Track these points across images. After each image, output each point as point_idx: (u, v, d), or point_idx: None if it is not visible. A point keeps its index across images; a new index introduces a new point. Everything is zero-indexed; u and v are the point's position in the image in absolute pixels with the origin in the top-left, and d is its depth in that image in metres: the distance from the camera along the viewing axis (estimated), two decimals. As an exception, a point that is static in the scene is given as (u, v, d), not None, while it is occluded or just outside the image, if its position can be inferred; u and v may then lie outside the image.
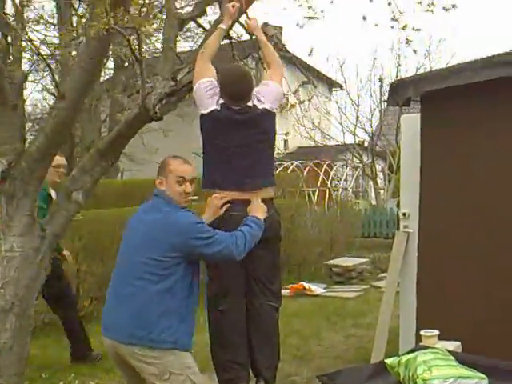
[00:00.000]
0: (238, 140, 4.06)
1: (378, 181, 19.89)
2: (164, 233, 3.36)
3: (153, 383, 3.39)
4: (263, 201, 4.07)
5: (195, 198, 3.73)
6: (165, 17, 4.67)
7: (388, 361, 3.45)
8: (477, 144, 4.80)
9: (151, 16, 3.92)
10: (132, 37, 3.90)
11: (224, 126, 4.07)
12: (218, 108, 4.07)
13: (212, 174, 4.19)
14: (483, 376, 3.16)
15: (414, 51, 6.97)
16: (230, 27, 4.49)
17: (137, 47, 3.81)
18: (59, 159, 5.62)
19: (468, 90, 4.63)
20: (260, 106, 4.16)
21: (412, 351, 3.55)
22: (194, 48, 4.52)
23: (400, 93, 4.97)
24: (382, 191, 19.83)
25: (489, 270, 4.69)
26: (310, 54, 9.43)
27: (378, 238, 15.80)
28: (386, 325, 5.47)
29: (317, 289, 9.90)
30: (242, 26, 4.70)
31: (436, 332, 4.23)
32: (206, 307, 4.27)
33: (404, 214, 5.69)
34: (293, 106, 12.03)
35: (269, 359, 4.34)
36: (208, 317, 4.27)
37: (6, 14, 4.53)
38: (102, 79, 20.49)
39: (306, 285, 9.91)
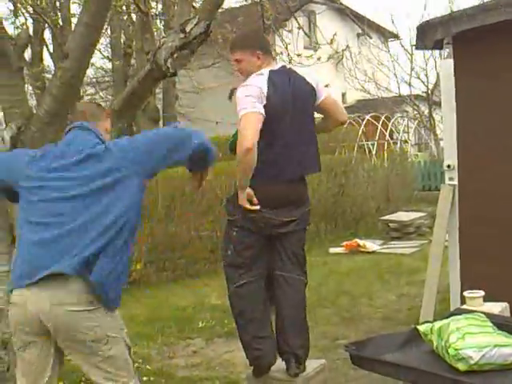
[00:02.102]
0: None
1: (438, 131, 19.16)
2: None
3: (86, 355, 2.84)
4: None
5: None
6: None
7: (421, 328, 3.13)
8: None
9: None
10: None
11: None
12: None
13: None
14: (526, 343, 2.82)
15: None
16: None
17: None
18: None
19: (501, 28, 4.18)
20: None
21: (447, 316, 3.22)
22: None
23: (428, 35, 4.54)
24: (442, 142, 19.13)
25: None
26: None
27: (438, 191, 15.22)
28: (434, 285, 5.12)
29: (372, 245, 9.58)
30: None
31: (481, 293, 3.88)
32: (227, 280, 4.01)
33: (448, 166, 5.28)
34: (330, 57, 11.51)
35: (302, 336, 4.04)
36: (229, 290, 4.01)
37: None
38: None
39: (361, 242, 9.60)
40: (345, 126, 19.05)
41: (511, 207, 4.47)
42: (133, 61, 18.59)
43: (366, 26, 23.46)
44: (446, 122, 5.25)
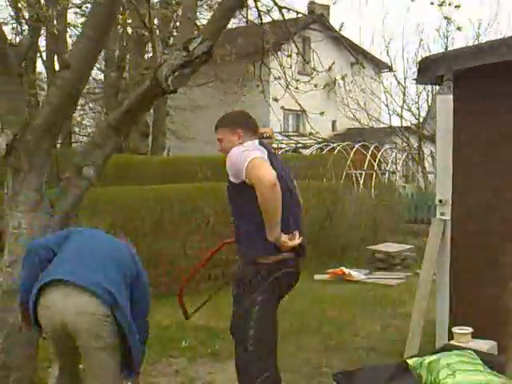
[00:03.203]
0: None
1: (427, 165, 19.26)
2: None
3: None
4: None
5: None
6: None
7: (410, 361, 3.12)
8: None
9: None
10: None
11: None
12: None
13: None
14: (515, 383, 2.80)
15: (459, 28, 6.54)
16: None
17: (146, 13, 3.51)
18: (269, 131, 6.07)
19: (503, 68, 4.20)
20: None
21: (437, 352, 3.20)
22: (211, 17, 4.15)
23: (430, 70, 4.56)
24: (429, 176, 19.23)
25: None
26: (340, 29, 8.96)
27: (425, 224, 15.27)
28: (420, 320, 5.08)
29: (357, 274, 9.55)
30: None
31: (469, 330, 3.88)
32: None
33: (440, 201, 5.29)
34: (326, 84, 11.55)
35: None
36: None
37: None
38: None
39: (347, 270, 9.57)
40: (334, 152, 19.32)
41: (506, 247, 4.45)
42: (125, 74, 18.68)
43: (360, 55, 23.64)
44: (441, 157, 5.26)
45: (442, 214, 5.24)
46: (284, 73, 9.64)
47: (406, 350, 5.09)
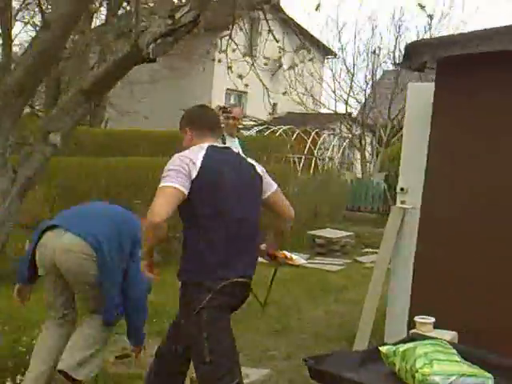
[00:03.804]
0: None
1: (366, 154, 19.54)
2: None
3: None
4: None
5: None
6: None
7: (383, 349, 3.12)
8: (498, 119, 4.43)
9: None
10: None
11: None
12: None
13: None
14: (489, 375, 2.84)
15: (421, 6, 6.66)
16: None
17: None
18: (238, 111, 6.66)
19: (492, 58, 4.24)
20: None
21: (409, 340, 3.22)
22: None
23: (415, 56, 4.56)
24: (368, 164, 19.52)
25: (494, 258, 4.37)
26: (316, 9, 8.94)
27: (363, 212, 15.53)
28: (373, 307, 5.14)
29: (298, 259, 9.56)
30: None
31: (432, 319, 3.93)
32: None
33: (402, 189, 5.36)
34: (292, 66, 11.54)
35: None
36: None
37: None
38: (92, 25, 19.92)
39: (288, 254, 9.54)
40: (276, 135, 19.36)
41: (476, 236, 4.51)
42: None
43: (310, 41, 23.66)
44: (407, 145, 5.32)
45: (403, 202, 5.30)
46: (226, 53, 9.53)
47: (356, 339, 5.15)
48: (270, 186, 3.56)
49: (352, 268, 9.42)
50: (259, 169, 3.57)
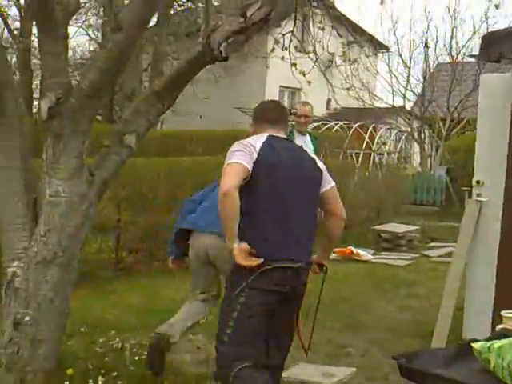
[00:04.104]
0: None
1: (425, 147, 19.21)
2: None
3: None
4: None
5: None
6: None
7: (476, 345, 3.01)
8: None
9: None
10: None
11: None
12: None
13: None
14: None
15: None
16: None
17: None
18: (307, 110, 6.80)
19: None
20: None
21: (503, 336, 3.11)
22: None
23: (492, 47, 4.42)
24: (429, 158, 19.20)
25: None
26: (381, 3, 8.85)
27: (425, 206, 15.29)
28: (451, 304, 5.01)
29: (365, 254, 9.48)
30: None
31: (521, 313, 3.79)
32: None
33: (478, 182, 5.22)
34: (355, 60, 11.42)
35: None
36: None
37: None
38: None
39: (354, 249, 9.49)
40: (333, 130, 19.20)
41: None
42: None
43: (358, 35, 23.42)
44: (481, 138, 5.18)
45: (479, 195, 5.16)
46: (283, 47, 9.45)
47: (434, 335, 5.03)
48: (328, 182, 3.61)
49: (420, 262, 9.26)
50: (320, 163, 3.65)
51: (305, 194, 3.51)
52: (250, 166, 3.33)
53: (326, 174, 3.63)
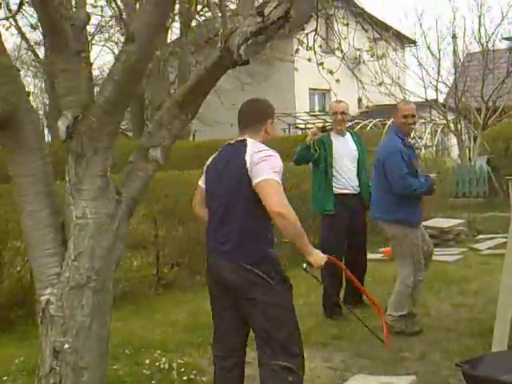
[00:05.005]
0: None
1: (463, 138, 18.77)
2: None
3: None
4: None
5: None
6: None
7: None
8: None
9: None
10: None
11: None
12: None
13: None
14: None
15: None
16: None
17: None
18: (343, 106, 6.57)
19: None
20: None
21: None
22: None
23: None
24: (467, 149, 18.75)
25: None
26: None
27: (468, 198, 14.89)
28: (509, 301, 4.70)
29: (411, 252, 9.16)
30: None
31: None
32: None
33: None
34: (383, 55, 11.14)
35: None
36: None
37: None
38: (168, 40, 20.14)
39: (397, 249, 9.16)
40: (366, 130, 18.92)
41: None
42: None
43: (383, 31, 23.13)
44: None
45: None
46: (311, 48, 9.23)
47: (494, 336, 4.73)
48: (258, 177, 3.52)
49: (469, 257, 8.93)
50: (251, 158, 3.57)
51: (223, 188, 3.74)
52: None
53: (255, 168, 3.52)
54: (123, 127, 22.53)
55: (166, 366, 4.81)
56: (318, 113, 25.56)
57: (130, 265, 7.55)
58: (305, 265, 3.75)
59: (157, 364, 4.86)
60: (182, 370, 4.73)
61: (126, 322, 6.26)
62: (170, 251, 7.95)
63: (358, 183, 6.49)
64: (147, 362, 4.93)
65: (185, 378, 4.56)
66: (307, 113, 25.68)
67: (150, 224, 7.92)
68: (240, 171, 3.59)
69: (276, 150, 3.69)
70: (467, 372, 2.75)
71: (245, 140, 3.72)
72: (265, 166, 3.50)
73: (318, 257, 3.68)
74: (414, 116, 5.92)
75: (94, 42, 22.22)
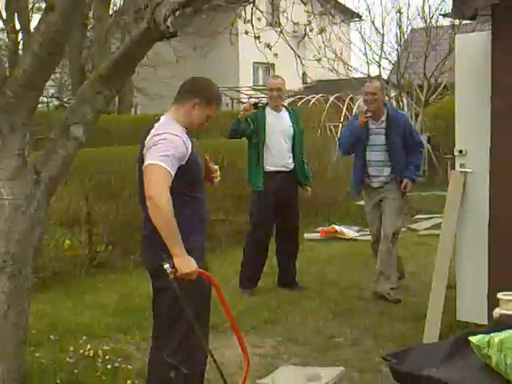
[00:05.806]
0: None
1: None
2: None
3: None
4: None
5: None
6: None
7: (474, 339, 2.69)
8: None
9: None
10: None
11: None
12: None
13: None
14: None
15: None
16: None
17: None
18: (278, 82, 6.47)
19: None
20: None
21: (502, 326, 2.78)
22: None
23: (467, 3, 4.04)
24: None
25: None
26: None
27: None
28: (443, 285, 4.68)
29: (349, 232, 9.14)
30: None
31: (517, 295, 3.47)
32: None
33: (460, 152, 4.86)
34: (322, 29, 10.95)
35: None
36: None
37: None
38: (110, 11, 19.60)
39: (338, 228, 9.14)
40: (309, 105, 18.82)
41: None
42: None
43: (330, 4, 22.99)
44: (460, 104, 4.81)
45: (462, 165, 4.81)
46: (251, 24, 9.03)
47: (427, 319, 4.71)
48: (145, 161, 3.29)
49: (406, 237, 8.89)
50: (147, 140, 3.33)
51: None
52: None
53: (147, 153, 3.29)
54: (66, 100, 21.84)
55: (91, 352, 4.60)
56: (261, 87, 25.34)
57: (61, 244, 7.25)
58: (167, 265, 3.16)
59: (81, 351, 4.64)
60: (108, 357, 4.52)
61: (54, 304, 6.01)
62: (103, 230, 7.68)
63: (291, 160, 6.38)
64: (72, 348, 4.70)
65: (109, 366, 4.35)
66: (251, 87, 25.43)
67: (82, 201, 7.63)
68: (141, 155, 3.39)
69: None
70: (394, 367, 2.65)
71: (159, 118, 3.45)
72: (153, 150, 3.25)
73: (186, 263, 3.19)
74: (373, 94, 6.06)
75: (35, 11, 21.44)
